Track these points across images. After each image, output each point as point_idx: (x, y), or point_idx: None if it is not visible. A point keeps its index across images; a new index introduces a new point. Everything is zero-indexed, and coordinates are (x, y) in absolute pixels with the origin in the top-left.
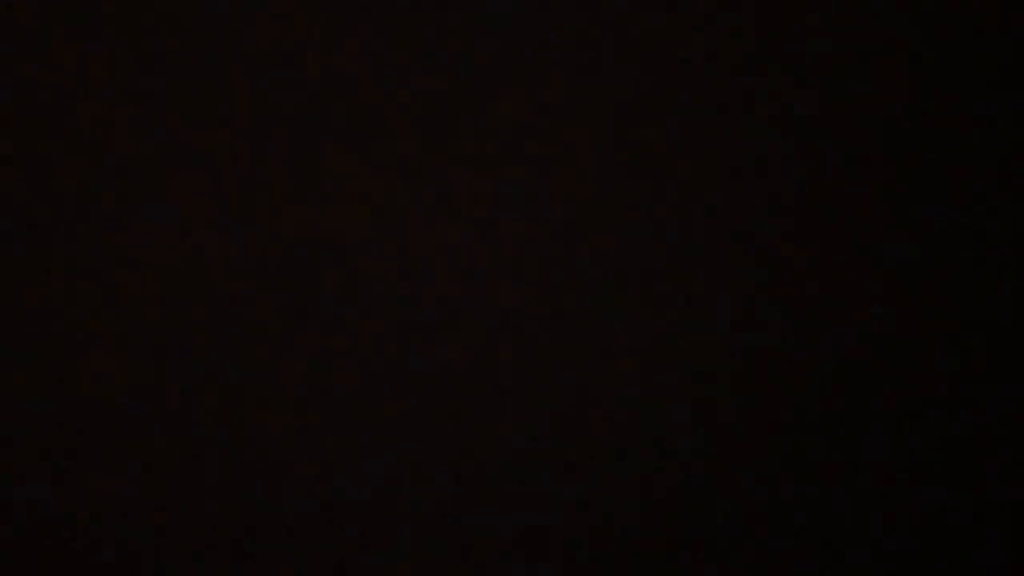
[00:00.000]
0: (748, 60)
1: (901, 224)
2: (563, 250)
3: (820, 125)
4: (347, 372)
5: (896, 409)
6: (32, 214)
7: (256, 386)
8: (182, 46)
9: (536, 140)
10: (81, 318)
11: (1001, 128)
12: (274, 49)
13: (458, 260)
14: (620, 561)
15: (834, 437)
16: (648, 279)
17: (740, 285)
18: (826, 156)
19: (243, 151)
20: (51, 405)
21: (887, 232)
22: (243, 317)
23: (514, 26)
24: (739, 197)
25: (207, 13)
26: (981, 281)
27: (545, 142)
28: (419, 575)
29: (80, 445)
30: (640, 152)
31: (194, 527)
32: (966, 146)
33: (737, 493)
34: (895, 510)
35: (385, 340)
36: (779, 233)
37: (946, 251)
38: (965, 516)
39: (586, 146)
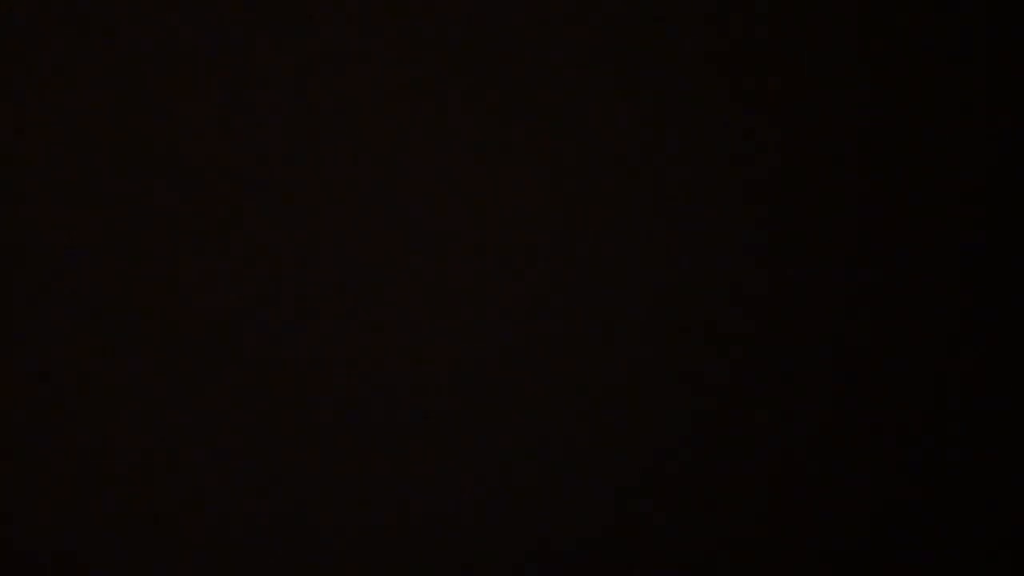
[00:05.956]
0: (744, 60)
1: (899, 225)
2: (561, 248)
3: (817, 126)
4: (344, 371)
5: (894, 411)
6: (32, 214)
7: (255, 386)
8: (180, 46)
9: (533, 141)
10: (81, 318)
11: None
12: (272, 49)
13: (456, 259)
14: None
15: (832, 439)
16: (644, 279)
17: (738, 285)
18: (823, 158)
19: (241, 150)
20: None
21: (885, 234)
22: (245, 316)
23: (512, 25)
24: (734, 197)
25: (204, 13)
26: (980, 283)
27: (540, 143)
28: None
29: (81, 448)
30: (636, 152)
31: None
32: (965, 147)
33: (735, 491)
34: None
35: (383, 340)
36: (775, 234)
37: (944, 252)
38: (963, 518)
39: (583, 146)
